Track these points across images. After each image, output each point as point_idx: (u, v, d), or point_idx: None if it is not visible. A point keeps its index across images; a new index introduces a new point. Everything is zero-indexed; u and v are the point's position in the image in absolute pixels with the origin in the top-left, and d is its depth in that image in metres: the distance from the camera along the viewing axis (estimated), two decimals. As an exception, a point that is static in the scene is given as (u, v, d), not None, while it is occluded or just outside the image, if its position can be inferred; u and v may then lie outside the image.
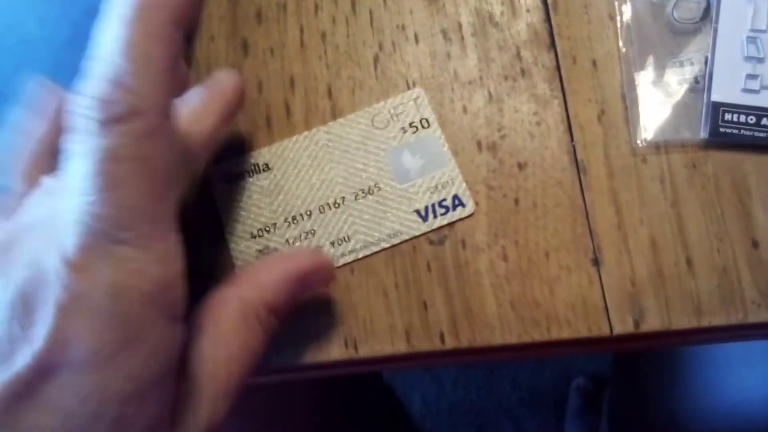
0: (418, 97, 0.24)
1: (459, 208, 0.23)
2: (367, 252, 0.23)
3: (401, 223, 0.23)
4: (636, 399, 0.45)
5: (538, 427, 0.90)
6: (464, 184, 0.23)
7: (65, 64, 0.17)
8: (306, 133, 0.25)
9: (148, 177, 0.15)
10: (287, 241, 0.24)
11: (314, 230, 0.23)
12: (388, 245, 0.23)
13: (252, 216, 0.24)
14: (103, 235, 0.14)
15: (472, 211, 0.23)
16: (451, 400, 0.91)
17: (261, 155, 0.25)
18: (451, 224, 0.23)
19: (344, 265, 0.23)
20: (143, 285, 0.15)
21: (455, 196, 0.23)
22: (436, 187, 0.23)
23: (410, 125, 0.24)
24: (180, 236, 0.16)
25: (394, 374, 0.85)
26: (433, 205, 0.23)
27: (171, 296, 0.16)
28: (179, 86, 0.17)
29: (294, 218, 0.24)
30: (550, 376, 0.91)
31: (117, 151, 0.14)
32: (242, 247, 0.24)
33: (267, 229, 0.24)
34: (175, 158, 0.16)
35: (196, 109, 0.22)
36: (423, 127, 0.24)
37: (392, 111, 0.24)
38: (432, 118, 0.24)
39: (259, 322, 0.19)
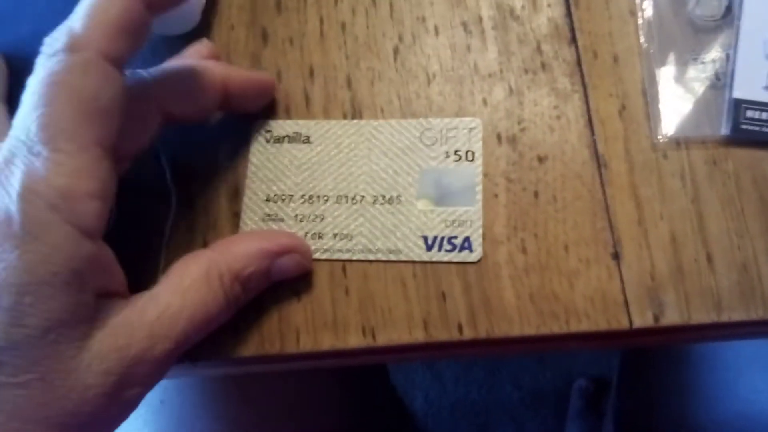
0: (474, 128, 0.24)
1: (465, 252, 0.22)
2: (361, 257, 0.23)
3: (405, 243, 0.23)
4: (643, 402, 0.45)
5: (539, 427, 0.90)
6: (480, 230, 0.22)
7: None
8: (356, 121, 0.25)
9: (72, 102, 0.17)
10: (296, 216, 0.24)
11: (324, 216, 0.24)
12: (384, 259, 0.23)
13: (275, 180, 0.24)
14: (23, 145, 0.17)
15: (477, 260, 0.22)
16: (453, 399, 0.91)
17: (306, 126, 0.25)
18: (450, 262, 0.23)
19: (337, 260, 0.23)
20: (48, 192, 0.17)
21: (467, 239, 0.22)
22: (453, 222, 0.23)
23: (455, 152, 0.24)
24: (109, 163, 0.18)
25: (396, 372, 0.85)
26: (442, 239, 0.23)
27: (78, 208, 0.17)
28: (136, 47, 0.19)
29: (311, 198, 0.24)
30: (552, 377, 0.91)
31: (49, 77, 0.17)
32: (254, 206, 0.24)
33: (283, 198, 0.24)
34: (110, 95, 0.18)
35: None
36: (467, 159, 0.24)
37: (444, 131, 0.24)
38: (479, 153, 0.24)
39: (222, 286, 0.20)
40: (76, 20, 0.18)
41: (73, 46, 0.18)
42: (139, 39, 0.19)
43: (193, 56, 0.24)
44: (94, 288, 0.18)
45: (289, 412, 0.37)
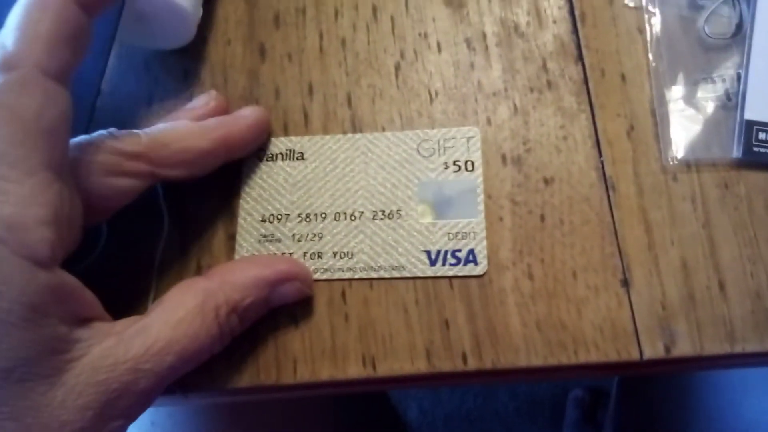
0: (472, 137, 0.23)
1: (470, 265, 0.22)
2: (363, 275, 0.22)
3: (408, 258, 0.22)
4: (644, 418, 0.45)
5: (535, 437, 0.89)
6: (485, 242, 0.22)
7: None
8: (350, 135, 0.24)
9: (12, 124, 0.16)
10: (293, 236, 0.23)
11: (322, 234, 0.23)
12: (387, 276, 0.22)
13: (270, 200, 0.24)
14: None
15: (482, 272, 0.21)
16: (448, 409, 0.90)
17: (300, 143, 0.24)
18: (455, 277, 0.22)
19: (338, 280, 0.22)
20: None
21: (471, 251, 0.22)
22: (456, 234, 0.22)
23: (454, 163, 0.23)
24: (62, 185, 0.17)
25: (392, 383, 0.84)
26: (445, 252, 0.22)
27: (28, 238, 0.16)
28: (78, 56, 0.18)
29: (308, 216, 0.23)
30: (548, 387, 0.90)
31: None
32: (249, 227, 0.23)
33: (279, 217, 0.23)
34: (54, 114, 0.17)
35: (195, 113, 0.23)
36: (467, 169, 0.23)
37: (441, 142, 0.23)
38: (478, 163, 0.23)
39: (217, 319, 0.19)
40: (6, 36, 0.17)
41: (6, 65, 0.17)
42: (81, 47, 0.18)
43: (199, 110, 0.23)
44: (60, 318, 0.17)
45: (283, 422, 0.36)
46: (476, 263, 0.22)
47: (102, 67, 0.24)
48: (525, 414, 0.89)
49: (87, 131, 0.21)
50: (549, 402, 0.89)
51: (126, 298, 0.22)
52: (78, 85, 0.22)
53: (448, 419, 0.90)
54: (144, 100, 0.26)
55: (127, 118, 0.25)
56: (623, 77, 0.24)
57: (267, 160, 0.24)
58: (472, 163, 0.23)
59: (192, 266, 0.23)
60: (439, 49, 0.25)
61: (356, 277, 0.22)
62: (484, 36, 0.25)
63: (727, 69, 0.23)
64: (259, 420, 0.36)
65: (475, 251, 0.22)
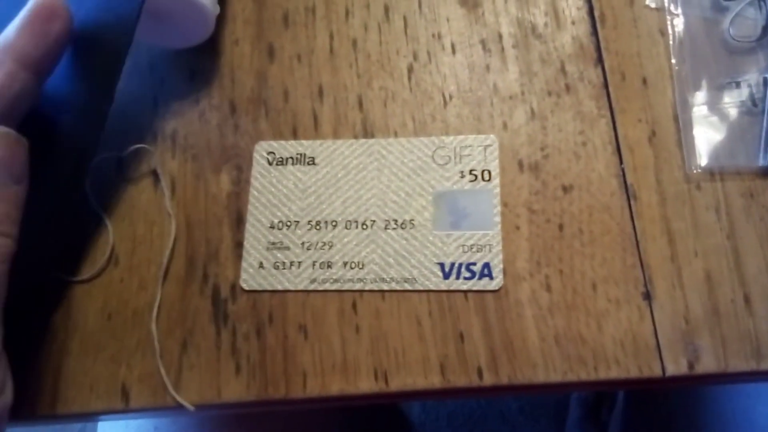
0: (490, 145, 0.23)
1: (485, 279, 0.21)
2: (374, 287, 0.21)
3: (420, 270, 0.21)
4: (653, 422, 0.44)
5: (539, 437, 0.88)
6: (501, 255, 0.21)
7: None
8: (363, 140, 0.23)
9: None
10: (303, 244, 0.22)
11: (333, 243, 0.22)
12: (399, 288, 0.21)
13: (279, 205, 0.23)
14: None
15: (498, 288, 0.21)
16: (451, 407, 0.90)
17: (311, 147, 0.23)
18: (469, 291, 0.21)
19: (348, 291, 0.21)
20: None
21: (486, 265, 0.21)
22: (471, 247, 0.21)
23: (470, 172, 0.22)
24: None
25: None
26: (459, 265, 0.21)
27: None
28: (16, 111, 0.19)
29: (318, 223, 0.22)
30: (553, 387, 0.89)
31: None
32: (258, 233, 0.22)
33: (288, 224, 0.22)
34: None
35: None
36: (483, 179, 0.22)
37: (457, 149, 0.23)
38: (496, 172, 0.22)
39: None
40: None
41: None
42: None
43: None
44: None
45: (288, 421, 0.35)
46: (491, 278, 0.21)
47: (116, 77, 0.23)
48: (528, 413, 0.89)
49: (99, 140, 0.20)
50: (552, 401, 0.88)
51: (133, 305, 0.22)
52: (91, 93, 0.21)
53: (452, 417, 0.89)
54: (149, 101, 0.25)
55: (132, 120, 0.25)
56: (645, 81, 0.23)
57: (277, 164, 0.23)
58: (489, 172, 0.22)
59: (198, 274, 0.22)
60: (454, 51, 0.24)
61: (367, 288, 0.21)
62: (500, 37, 0.24)
63: (753, 73, 0.23)
64: (261, 423, 0.35)
65: (491, 265, 0.21)
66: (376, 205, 0.23)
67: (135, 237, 0.23)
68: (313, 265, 0.22)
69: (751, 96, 0.22)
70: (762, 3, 0.23)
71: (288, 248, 0.22)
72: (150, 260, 0.22)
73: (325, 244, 0.22)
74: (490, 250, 0.21)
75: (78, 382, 0.21)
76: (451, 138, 0.23)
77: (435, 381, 0.20)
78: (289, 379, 0.20)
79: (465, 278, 0.21)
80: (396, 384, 0.20)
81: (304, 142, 0.24)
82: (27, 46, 0.19)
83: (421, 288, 0.21)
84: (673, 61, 0.23)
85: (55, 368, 0.21)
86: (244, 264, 0.22)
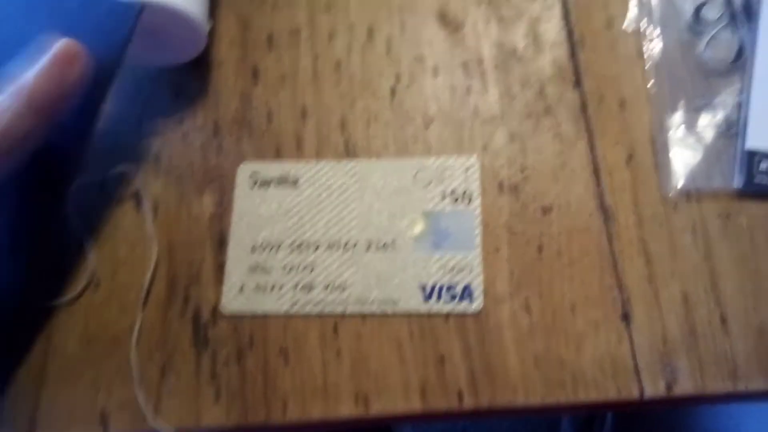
0: (471, 167, 0.23)
1: (465, 302, 0.21)
2: (355, 310, 0.21)
3: (402, 292, 0.21)
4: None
5: (531, 453, 0.88)
6: (481, 277, 0.21)
7: None
8: (346, 161, 0.23)
9: None
10: (284, 267, 0.22)
11: (314, 265, 0.22)
12: (378, 312, 0.21)
13: (260, 228, 0.23)
14: None
15: (478, 310, 0.21)
16: (441, 425, 0.89)
17: (294, 168, 0.24)
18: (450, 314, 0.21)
19: (329, 315, 0.21)
20: None
21: (467, 287, 0.21)
22: (453, 269, 0.21)
23: (451, 193, 0.22)
24: None
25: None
26: (440, 288, 0.21)
27: None
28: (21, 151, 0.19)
29: (299, 245, 0.22)
30: (545, 401, 0.89)
31: None
32: (239, 255, 0.22)
33: (270, 246, 0.22)
34: None
35: None
36: (464, 200, 0.22)
37: (439, 171, 0.23)
38: (476, 194, 0.22)
39: None
40: None
41: None
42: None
43: None
44: None
45: None
46: (471, 300, 0.21)
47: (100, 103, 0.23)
48: (520, 430, 0.88)
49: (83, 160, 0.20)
50: (544, 419, 0.88)
51: (113, 330, 0.22)
52: (77, 114, 0.21)
53: (443, 434, 0.88)
54: (134, 121, 0.25)
55: (116, 140, 0.25)
56: (622, 103, 0.23)
57: (259, 186, 0.24)
58: (470, 194, 0.22)
59: (179, 297, 0.22)
60: (435, 73, 0.25)
61: (348, 311, 0.21)
62: (481, 60, 0.25)
63: (728, 95, 0.23)
64: None
65: (471, 287, 0.21)
66: (358, 226, 0.23)
67: (117, 259, 0.23)
68: (295, 287, 0.22)
69: (727, 118, 0.23)
70: (736, 27, 0.24)
71: (269, 272, 0.22)
72: (131, 283, 0.22)
73: (306, 266, 0.22)
74: (470, 272, 0.21)
75: (57, 408, 0.21)
76: (433, 159, 0.23)
77: (415, 405, 0.20)
78: (269, 405, 0.20)
79: (446, 301, 0.21)
80: (376, 408, 0.20)
81: (286, 163, 0.24)
82: (42, 91, 0.19)
83: (402, 310, 0.21)
84: (650, 83, 0.23)
85: (34, 393, 0.21)
86: (224, 287, 0.22)
